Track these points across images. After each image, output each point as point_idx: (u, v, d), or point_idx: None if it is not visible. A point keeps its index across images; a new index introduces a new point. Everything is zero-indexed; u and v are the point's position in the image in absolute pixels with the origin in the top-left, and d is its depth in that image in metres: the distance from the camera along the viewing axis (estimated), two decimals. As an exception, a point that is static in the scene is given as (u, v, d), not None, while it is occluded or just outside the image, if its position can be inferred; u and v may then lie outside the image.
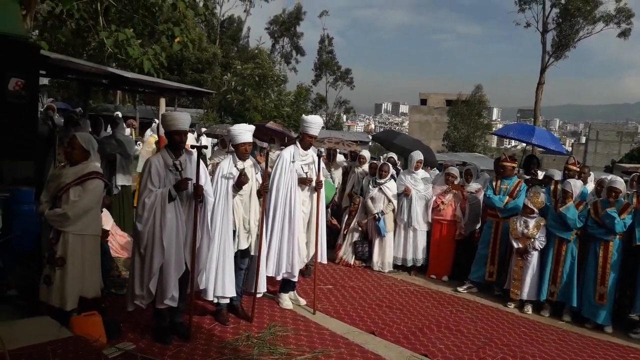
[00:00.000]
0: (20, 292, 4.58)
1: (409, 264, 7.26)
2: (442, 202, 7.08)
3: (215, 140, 12.47)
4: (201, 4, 10.89)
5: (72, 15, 7.42)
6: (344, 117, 54.01)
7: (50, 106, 8.53)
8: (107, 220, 6.01)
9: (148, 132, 12.63)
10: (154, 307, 4.17)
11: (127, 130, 10.53)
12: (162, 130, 6.45)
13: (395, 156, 8.77)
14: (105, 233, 5.45)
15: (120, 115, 11.56)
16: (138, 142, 12.41)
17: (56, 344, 3.22)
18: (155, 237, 4.02)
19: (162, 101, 6.14)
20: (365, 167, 8.15)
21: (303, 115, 5.39)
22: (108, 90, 6.59)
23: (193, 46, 9.25)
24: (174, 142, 4.21)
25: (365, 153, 8.56)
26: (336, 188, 7.94)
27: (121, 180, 7.05)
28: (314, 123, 5.25)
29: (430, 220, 7.19)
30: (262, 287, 4.93)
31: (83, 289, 4.12)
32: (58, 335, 3.50)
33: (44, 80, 18.72)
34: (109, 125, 7.37)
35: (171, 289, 4.09)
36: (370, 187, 7.35)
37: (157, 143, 7.15)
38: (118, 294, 5.11)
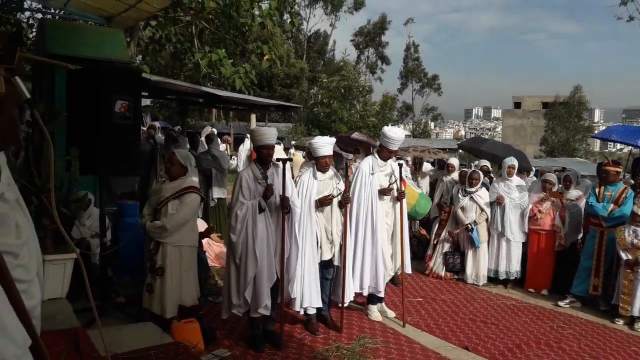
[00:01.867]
0: (127, 300, 4.93)
1: (502, 276, 6.89)
2: (540, 211, 6.66)
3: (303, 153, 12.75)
4: (288, 22, 11.27)
5: (170, 40, 7.96)
6: (432, 124, 52.90)
7: (152, 125, 9.20)
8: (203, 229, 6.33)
9: (242, 147, 13.21)
10: (248, 315, 4.32)
11: (222, 146, 11.07)
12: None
13: (488, 164, 8.43)
14: (201, 242, 5.73)
15: (215, 131, 12.22)
16: (232, 157, 13.00)
17: (158, 349, 3.41)
18: (248, 247, 4.17)
19: (253, 117, 6.40)
20: (454, 175, 7.90)
21: (384, 127, 5.29)
22: (204, 109, 7.02)
23: (281, 63, 9.56)
24: (262, 155, 4.36)
25: (454, 161, 8.30)
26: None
27: (217, 193, 7.42)
28: (394, 139, 5.05)
29: (526, 230, 6.79)
30: (349, 297, 4.92)
31: (181, 297, 4.36)
32: (160, 340, 3.72)
33: (147, 101, 20.27)
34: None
35: (264, 298, 4.21)
36: (461, 196, 7.10)
37: (249, 157, 7.42)
38: (215, 302, 5.34)
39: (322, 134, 24.26)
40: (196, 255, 4.69)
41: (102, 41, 5.59)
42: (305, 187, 4.70)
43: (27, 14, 8.84)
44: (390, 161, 5.25)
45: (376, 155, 5.26)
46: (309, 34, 40.40)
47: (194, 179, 4.80)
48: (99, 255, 4.98)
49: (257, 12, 8.63)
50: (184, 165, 4.52)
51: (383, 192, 5.14)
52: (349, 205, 4.85)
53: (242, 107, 7.18)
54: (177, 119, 25.31)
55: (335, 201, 4.77)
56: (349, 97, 24.90)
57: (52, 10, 7.83)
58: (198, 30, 8.56)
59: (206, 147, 7.75)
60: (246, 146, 13.10)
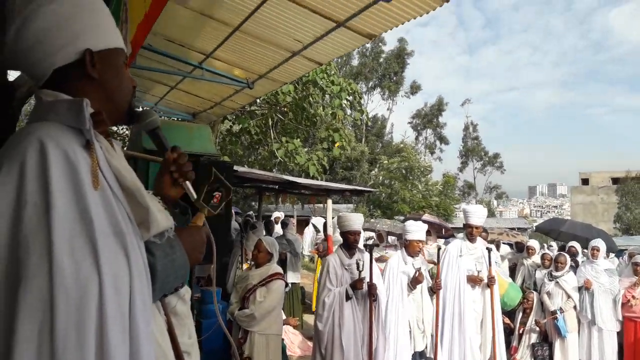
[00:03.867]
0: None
1: (596, 369, 6.31)
2: (633, 297, 6.19)
3: (369, 234, 12.74)
4: (349, 110, 11.76)
5: (249, 132, 8.47)
6: (495, 202, 51.60)
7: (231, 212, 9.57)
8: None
9: (307, 229, 13.40)
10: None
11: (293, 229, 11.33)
12: (329, 230, 6.82)
13: (577, 245, 8.04)
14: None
15: (282, 215, 12.53)
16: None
17: None
18: (334, 336, 4.11)
19: (329, 202, 6.55)
20: (535, 258, 7.56)
21: (464, 205, 5.27)
22: (278, 194, 7.35)
23: (350, 149, 9.89)
24: (348, 241, 4.40)
25: (534, 243, 7.98)
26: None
27: (291, 277, 7.46)
28: (477, 212, 5.08)
29: (620, 318, 6.28)
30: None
31: (268, 387, 4.29)
32: None
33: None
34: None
35: (351, 390, 4.07)
36: (546, 280, 6.74)
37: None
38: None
39: (384, 214, 24.23)
40: (280, 344, 4.66)
41: (191, 136, 6.01)
42: (395, 272, 4.64)
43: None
44: (479, 243, 5.16)
45: (465, 237, 5.20)
46: (367, 118, 41.63)
47: (277, 266, 4.87)
48: (185, 343, 5.03)
49: (327, 102, 9.10)
50: (270, 252, 4.63)
51: (472, 281, 4.96)
52: (440, 289, 4.74)
53: (318, 193, 7.38)
54: (242, 203, 26.14)
55: (425, 287, 4.67)
56: (410, 177, 24.98)
57: (142, 109, 8.58)
58: (274, 122, 9.09)
59: (281, 232, 7.93)
60: (311, 228, 13.28)
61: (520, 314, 7.09)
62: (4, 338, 0.84)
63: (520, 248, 8.58)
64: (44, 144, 0.92)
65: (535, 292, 6.91)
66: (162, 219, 1.08)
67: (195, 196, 1.34)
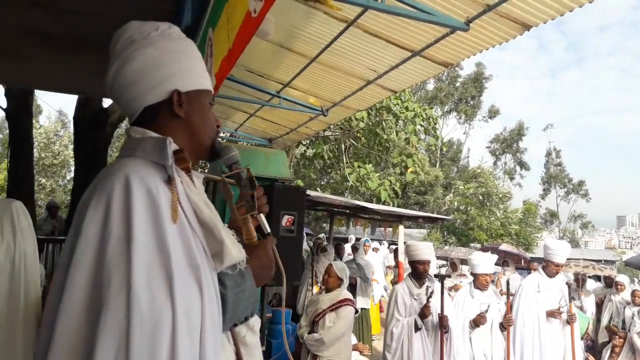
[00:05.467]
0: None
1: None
2: None
3: (441, 263, 12.39)
4: (423, 135, 11.64)
5: (322, 157, 8.63)
6: (580, 232, 48.45)
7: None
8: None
9: (379, 253, 13.27)
10: None
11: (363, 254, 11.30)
12: (400, 256, 6.75)
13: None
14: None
15: (353, 238, 12.53)
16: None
17: None
18: (404, 368, 4.04)
19: (401, 228, 6.49)
20: (625, 294, 7.01)
21: (546, 240, 5.01)
22: (349, 218, 7.40)
23: (424, 173, 9.78)
24: (417, 271, 4.33)
25: (623, 278, 7.43)
26: (589, 319, 6.96)
27: (361, 302, 7.41)
28: (559, 250, 4.76)
29: None
30: None
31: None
32: None
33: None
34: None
35: None
36: (636, 319, 6.23)
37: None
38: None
39: (459, 241, 23.48)
40: (349, 370, 4.64)
41: (268, 161, 6.24)
42: (461, 306, 4.51)
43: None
44: (558, 278, 4.89)
45: (541, 271, 4.94)
46: (442, 143, 40.89)
47: (347, 292, 4.88)
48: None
49: (401, 127, 9.09)
50: (340, 278, 4.65)
51: (552, 315, 4.71)
52: (511, 327, 4.52)
53: (389, 219, 7.35)
54: (314, 224, 26.41)
55: (495, 322, 4.48)
56: (488, 203, 24.11)
57: (222, 134, 9.02)
58: (346, 146, 9.20)
59: (352, 256, 7.93)
60: (382, 253, 13.13)
61: (608, 353, 6.58)
62: (87, 356, 0.92)
63: (609, 283, 8.00)
64: (129, 180, 1.01)
65: (624, 331, 6.41)
66: (235, 252, 1.14)
67: (268, 229, 1.39)
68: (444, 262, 11.68)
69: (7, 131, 8.58)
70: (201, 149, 1.25)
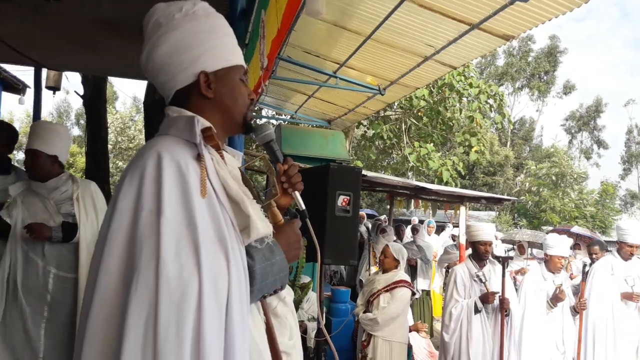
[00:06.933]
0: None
1: None
2: None
3: (509, 246, 11.96)
4: (492, 112, 11.17)
5: (382, 137, 8.53)
6: (666, 215, 44.98)
7: (362, 215, 9.73)
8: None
9: (443, 234, 13.02)
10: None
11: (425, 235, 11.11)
12: (461, 238, 6.60)
13: None
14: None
15: (417, 220, 12.37)
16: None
17: None
18: (461, 349, 3.98)
19: (462, 209, 6.33)
20: None
21: (618, 222, 4.72)
22: (410, 200, 7.27)
23: (490, 153, 9.45)
24: (478, 252, 4.22)
25: None
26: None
27: (421, 284, 7.34)
28: (632, 230, 4.55)
29: None
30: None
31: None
32: None
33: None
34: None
35: (477, 408, 3.91)
36: None
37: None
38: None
39: (530, 224, 22.55)
40: (406, 351, 4.63)
41: (326, 142, 6.29)
42: (533, 288, 4.34)
43: (264, 120, 10.50)
44: (635, 260, 4.62)
45: (615, 253, 4.69)
46: (513, 121, 39.14)
47: (404, 273, 4.85)
48: (314, 340, 5.26)
49: (464, 105, 8.79)
50: (397, 259, 4.63)
51: (628, 298, 4.47)
52: (584, 312, 4.33)
53: (450, 200, 7.18)
54: (378, 206, 26.32)
55: (567, 306, 4.30)
56: (562, 184, 22.92)
57: (283, 116, 9.14)
58: (408, 126, 9.04)
59: (411, 237, 7.84)
60: (447, 234, 12.86)
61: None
62: (119, 321, 0.99)
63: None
64: (160, 156, 1.07)
65: None
66: (262, 226, 1.17)
67: (303, 206, 1.39)
68: (512, 246, 11.28)
69: (86, 117, 9.13)
70: (233, 124, 1.28)
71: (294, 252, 1.26)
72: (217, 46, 1.23)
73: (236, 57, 1.28)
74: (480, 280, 4.07)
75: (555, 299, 4.17)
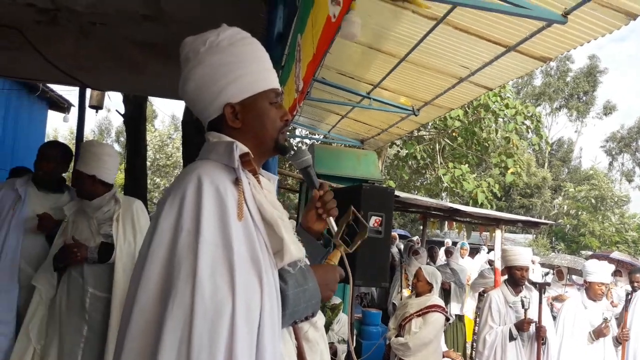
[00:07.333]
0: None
1: None
2: None
3: (546, 270, 11.59)
4: (529, 133, 10.95)
5: (415, 157, 8.48)
6: None
7: (394, 235, 9.64)
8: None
9: (477, 257, 12.74)
10: None
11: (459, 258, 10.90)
12: (496, 262, 6.44)
13: None
14: None
15: (450, 242, 12.15)
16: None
17: None
18: (496, 378, 3.87)
19: (498, 232, 6.19)
20: None
21: None
22: (444, 221, 7.15)
23: (527, 175, 9.25)
24: (514, 277, 4.12)
25: None
26: None
27: (455, 309, 7.18)
28: None
29: None
30: None
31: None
32: None
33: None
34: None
35: None
36: None
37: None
38: None
39: (568, 248, 21.84)
40: (438, 377, 4.52)
41: (358, 162, 6.30)
42: (572, 317, 4.19)
43: (297, 139, 10.62)
44: None
45: None
46: (551, 142, 38.23)
47: (438, 297, 4.75)
48: (344, 362, 5.19)
49: (500, 126, 8.67)
50: (430, 283, 4.55)
51: None
52: (626, 343, 4.15)
53: (486, 222, 7.04)
54: (410, 226, 26.00)
55: (609, 337, 4.12)
56: (602, 208, 22.16)
57: (316, 136, 9.21)
58: (442, 147, 8.97)
59: (444, 260, 7.71)
60: (483, 258, 12.59)
61: None
62: (155, 336, 1.02)
63: None
64: (200, 180, 1.12)
65: None
66: (295, 249, 1.18)
67: (335, 228, 1.40)
68: (550, 270, 10.92)
69: (126, 135, 9.43)
70: (265, 149, 1.30)
71: (327, 293, 1.27)
72: (242, 75, 1.24)
73: (265, 81, 1.29)
74: (522, 305, 3.94)
75: (599, 333, 4.01)
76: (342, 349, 5.48)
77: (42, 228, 2.95)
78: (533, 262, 11.10)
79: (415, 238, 10.58)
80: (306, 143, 11.09)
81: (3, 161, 10.45)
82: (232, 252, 1.06)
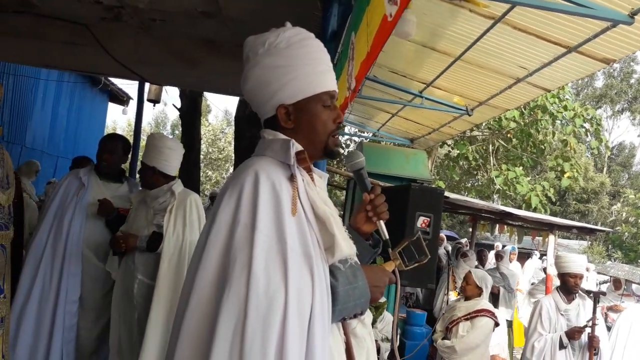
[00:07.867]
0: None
1: None
2: None
3: (603, 278, 11.08)
4: (587, 137, 10.48)
5: (467, 158, 8.32)
6: None
7: (441, 237, 9.49)
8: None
9: (529, 262, 12.36)
10: None
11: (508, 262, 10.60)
12: (549, 268, 6.25)
13: None
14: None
15: (500, 246, 11.83)
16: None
17: None
18: (544, 386, 3.77)
19: (552, 238, 6.00)
20: None
21: None
22: (494, 224, 6.98)
23: (584, 179, 8.90)
24: (567, 285, 3.99)
25: None
26: None
27: (504, 314, 7.01)
28: None
29: None
30: None
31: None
32: None
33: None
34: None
35: None
36: None
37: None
38: None
39: (626, 256, 20.82)
40: (484, 382, 4.45)
41: (407, 161, 6.24)
42: (627, 328, 4.04)
43: (346, 137, 10.62)
44: None
45: None
46: (611, 146, 36.45)
47: (487, 302, 4.66)
48: (387, 361, 5.19)
49: (558, 128, 8.37)
50: (479, 287, 4.47)
51: None
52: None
53: (538, 227, 6.83)
54: (459, 228, 25.49)
55: None
56: (664, 216, 20.97)
57: (365, 133, 9.19)
58: (495, 148, 8.75)
59: (494, 264, 7.53)
60: (534, 264, 12.19)
61: None
62: (211, 325, 1.07)
63: None
64: (258, 176, 1.17)
65: None
66: (346, 246, 1.21)
67: (387, 236, 1.41)
68: (607, 278, 10.43)
69: (181, 128, 9.74)
70: (314, 151, 1.33)
71: (374, 295, 1.28)
72: (296, 77, 1.27)
73: (319, 84, 1.30)
74: (585, 326, 3.77)
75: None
76: (385, 347, 5.47)
77: (102, 212, 3.12)
78: (588, 270, 10.64)
79: (464, 240, 10.37)
80: (355, 141, 11.07)
81: (66, 150, 11.06)
82: (285, 246, 1.09)
